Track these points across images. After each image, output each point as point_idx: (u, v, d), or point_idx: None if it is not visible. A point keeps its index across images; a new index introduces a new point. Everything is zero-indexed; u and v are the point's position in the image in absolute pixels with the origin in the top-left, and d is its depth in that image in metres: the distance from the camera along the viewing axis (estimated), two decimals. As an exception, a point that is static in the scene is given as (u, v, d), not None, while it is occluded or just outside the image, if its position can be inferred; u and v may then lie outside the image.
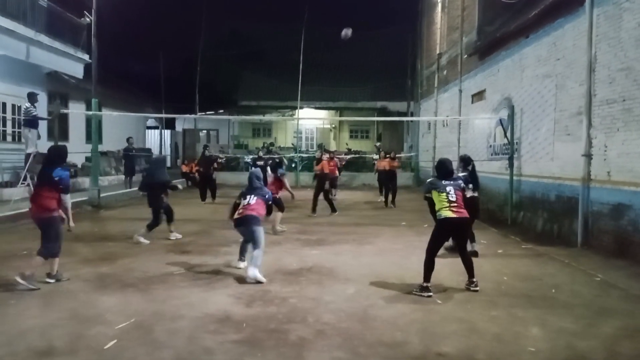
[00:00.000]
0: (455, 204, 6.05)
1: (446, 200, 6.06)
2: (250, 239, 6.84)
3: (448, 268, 7.21)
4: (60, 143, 13.96)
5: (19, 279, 5.89)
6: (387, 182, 15.82)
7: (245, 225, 6.84)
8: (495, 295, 6.02)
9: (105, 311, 5.18)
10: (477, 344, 4.47)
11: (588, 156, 9.10)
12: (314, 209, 13.22)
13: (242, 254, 7.20)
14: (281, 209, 10.18)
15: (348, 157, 23.92)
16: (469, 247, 7.04)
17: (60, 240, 6.36)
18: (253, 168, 10.38)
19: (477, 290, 6.12)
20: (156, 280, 6.45)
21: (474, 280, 6.24)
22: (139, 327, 4.75)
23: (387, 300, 5.77)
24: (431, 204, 6.28)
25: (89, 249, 8.36)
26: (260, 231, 6.77)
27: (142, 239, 8.97)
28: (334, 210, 13.37)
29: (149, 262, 7.46)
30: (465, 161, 8.61)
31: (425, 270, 6.05)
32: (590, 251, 8.59)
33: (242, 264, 7.08)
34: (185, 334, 4.59)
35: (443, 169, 6.35)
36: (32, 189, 6.37)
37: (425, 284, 6.00)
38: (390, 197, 15.41)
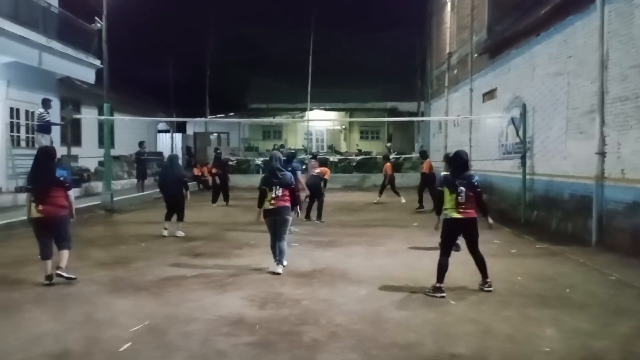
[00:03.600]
0: (463, 206, 6.05)
1: (455, 201, 6.06)
2: (279, 229, 7.14)
3: (461, 268, 7.17)
4: (73, 148, 14.16)
5: (60, 272, 6.37)
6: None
7: (278, 215, 7.14)
8: (509, 295, 5.98)
9: (119, 314, 5.23)
10: (491, 345, 4.44)
11: (601, 154, 9.02)
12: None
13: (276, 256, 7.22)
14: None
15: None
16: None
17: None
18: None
19: (490, 291, 6.08)
20: (169, 283, 6.49)
21: (488, 280, 6.20)
22: (153, 330, 4.78)
23: (399, 301, 5.76)
24: (441, 197, 6.24)
25: (103, 253, 8.44)
26: (289, 221, 7.35)
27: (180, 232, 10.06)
28: (307, 218, 12.28)
29: (162, 266, 7.50)
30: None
31: (439, 270, 6.04)
32: (605, 250, 8.50)
33: (280, 268, 7.08)
34: (199, 337, 4.61)
35: (460, 162, 6.27)
36: (37, 192, 6.51)
37: (438, 285, 6.00)
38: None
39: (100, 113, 17.49)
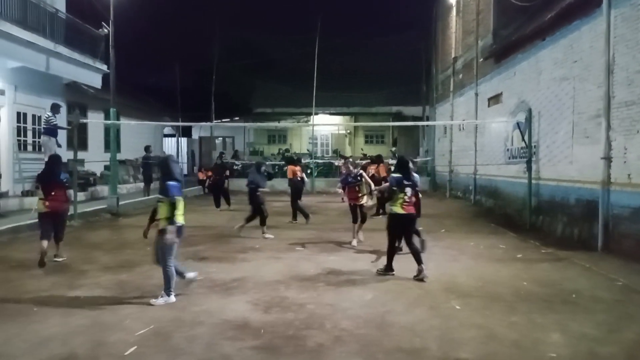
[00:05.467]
0: (407, 203, 7.10)
1: (402, 199, 7.05)
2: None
3: (465, 274, 7.18)
4: (79, 152, 14.22)
5: (57, 258, 7.99)
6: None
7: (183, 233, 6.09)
8: (515, 300, 5.96)
9: (124, 318, 5.24)
10: (496, 350, 4.43)
11: (607, 159, 8.99)
12: (294, 216, 12.89)
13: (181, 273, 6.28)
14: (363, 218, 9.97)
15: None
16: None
17: None
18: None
19: (423, 280, 6.72)
20: (175, 287, 6.49)
21: (422, 267, 6.86)
22: (158, 334, 4.79)
23: (404, 306, 5.74)
24: (391, 195, 7.19)
25: (109, 257, 8.46)
26: None
27: (267, 235, 10.42)
28: (294, 218, 12.81)
29: (167, 269, 7.50)
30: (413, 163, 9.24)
31: (389, 256, 7.15)
32: (611, 255, 8.46)
33: (192, 274, 6.42)
34: (204, 341, 4.62)
35: (406, 166, 7.32)
36: (45, 191, 7.98)
37: (388, 265, 7.13)
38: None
39: (107, 117, 17.55)
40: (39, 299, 5.94)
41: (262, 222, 10.64)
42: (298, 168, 13.48)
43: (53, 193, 7.90)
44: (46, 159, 12.85)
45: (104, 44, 16.83)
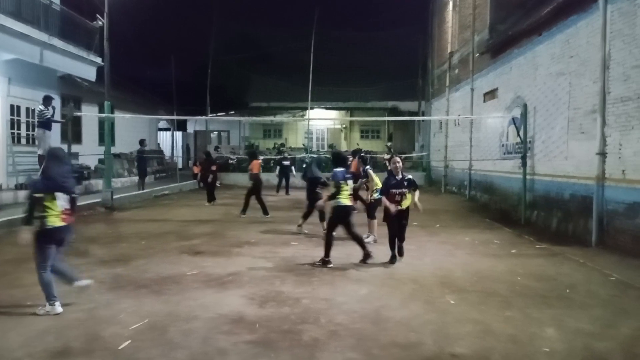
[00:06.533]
0: (350, 194, 7.57)
1: (346, 191, 7.48)
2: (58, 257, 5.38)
3: (460, 268, 7.20)
4: (73, 145, 14.17)
5: None
6: None
7: (69, 232, 5.48)
8: (510, 295, 5.97)
9: (119, 312, 5.22)
10: (492, 345, 4.44)
11: (602, 155, 9.01)
12: (244, 210, 12.90)
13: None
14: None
15: None
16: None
17: None
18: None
19: (369, 257, 7.47)
20: (170, 281, 6.49)
21: (368, 251, 7.53)
22: (153, 328, 4.77)
23: (400, 301, 5.74)
24: (337, 190, 7.50)
25: (104, 250, 8.43)
26: None
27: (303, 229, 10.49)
28: (265, 212, 12.70)
29: (162, 264, 7.50)
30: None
31: (326, 246, 7.45)
32: (605, 251, 8.50)
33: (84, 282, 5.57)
34: (199, 335, 4.61)
35: (345, 161, 8.06)
36: None
37: (326, 259, 7.41)
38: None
39: (101, 110, 17.47)
40: (34, 293, 5.89)
41: (305, 216, 10.57)
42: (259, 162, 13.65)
43: None
44: (40, 152, 12.85)
45: (99, 36, 16.72)
